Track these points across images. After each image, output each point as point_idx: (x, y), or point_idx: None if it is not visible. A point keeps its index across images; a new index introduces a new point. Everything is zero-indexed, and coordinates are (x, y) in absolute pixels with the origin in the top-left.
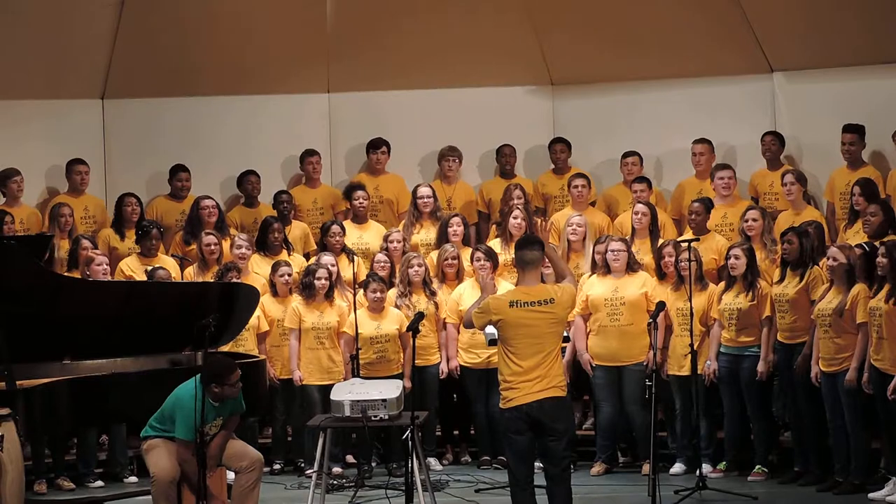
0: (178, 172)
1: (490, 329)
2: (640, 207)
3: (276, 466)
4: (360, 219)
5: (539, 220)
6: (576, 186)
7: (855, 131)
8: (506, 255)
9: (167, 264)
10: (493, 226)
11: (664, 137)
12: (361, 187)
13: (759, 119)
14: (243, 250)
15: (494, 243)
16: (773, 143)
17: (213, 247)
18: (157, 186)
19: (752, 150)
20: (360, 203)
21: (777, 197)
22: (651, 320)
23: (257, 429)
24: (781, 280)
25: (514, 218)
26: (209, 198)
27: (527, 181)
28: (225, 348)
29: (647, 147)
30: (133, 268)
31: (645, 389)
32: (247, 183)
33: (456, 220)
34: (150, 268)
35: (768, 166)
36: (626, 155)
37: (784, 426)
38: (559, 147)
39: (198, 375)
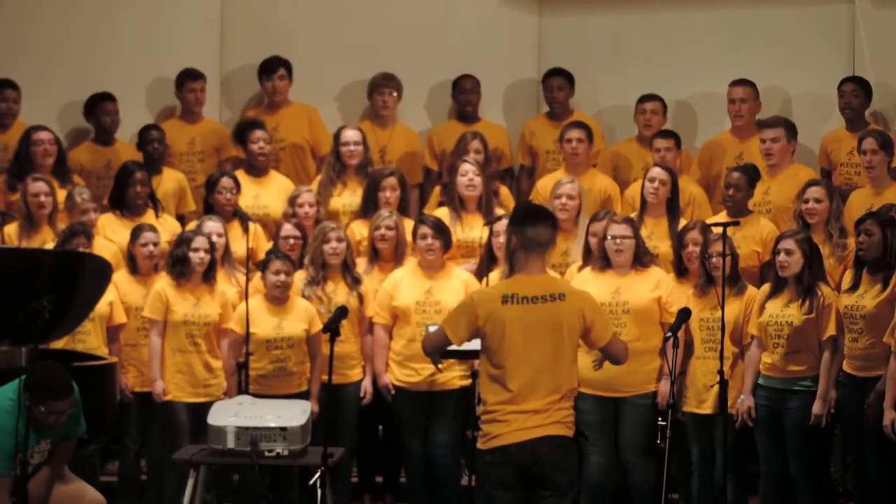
0: (2, 90)
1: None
2: (655, 172)
3: None
4: (258, 171)
5: (499, 187)
6: (569, 140)
7: None
8: (459, 231)
9: None
10: (438, 187)
11: (697, 75)
12: (261, 125)
13: (832, 58)
14: (89, 207)
15: (441, 213)
16: (856, 94)
17: (42, 198)
18: None
19: (824, 101)
20: (259, 147)
21: (858, 170)
22: (670, 334)
23: (99, 461)
24: (855, 287)
25: (463, 175)
26: (44, 129)
27: (498, 128)
28: (59, 344)
29: (673, 89)
30: None
31: (652, 432)
32: (101, 111)
33: (391, 179)
34: None
35: (848, 126)
36: (643, 99)
37: (846, 494)
38: (557, 82)
39: (20, 379)
